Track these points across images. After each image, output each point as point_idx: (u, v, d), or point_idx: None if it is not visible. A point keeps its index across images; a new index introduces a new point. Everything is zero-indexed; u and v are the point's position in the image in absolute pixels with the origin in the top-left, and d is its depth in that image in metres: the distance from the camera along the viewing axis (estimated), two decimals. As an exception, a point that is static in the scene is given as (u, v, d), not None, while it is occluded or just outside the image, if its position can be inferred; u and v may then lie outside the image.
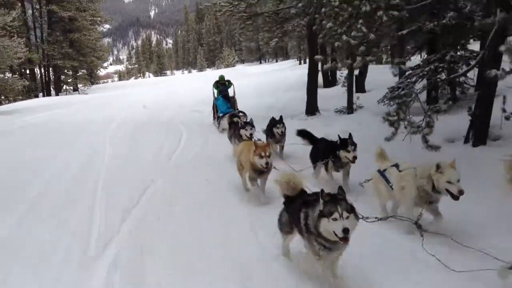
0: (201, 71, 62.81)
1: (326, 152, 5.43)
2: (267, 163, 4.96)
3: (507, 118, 5.98)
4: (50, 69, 32.47)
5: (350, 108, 9.84)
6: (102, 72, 45.46)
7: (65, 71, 33.95)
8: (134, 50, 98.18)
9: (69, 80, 34.95)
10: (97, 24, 34.68)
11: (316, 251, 3.30)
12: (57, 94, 31.10)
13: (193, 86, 23.91)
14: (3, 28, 19.36)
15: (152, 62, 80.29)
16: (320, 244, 3.20)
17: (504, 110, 5.99)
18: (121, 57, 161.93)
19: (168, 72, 73.52)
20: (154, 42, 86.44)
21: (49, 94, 30.63)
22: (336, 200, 3.08)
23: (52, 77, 32.89)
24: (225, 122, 9.13)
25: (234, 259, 3.65)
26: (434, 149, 5.10)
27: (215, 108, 11.08)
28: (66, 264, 3.72)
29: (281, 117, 7.14)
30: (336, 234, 2.97)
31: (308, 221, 3.28)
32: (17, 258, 3.86)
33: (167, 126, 11.03)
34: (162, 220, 4.57)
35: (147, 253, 3.83)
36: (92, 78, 39.60)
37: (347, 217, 2.99)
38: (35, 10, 30.63)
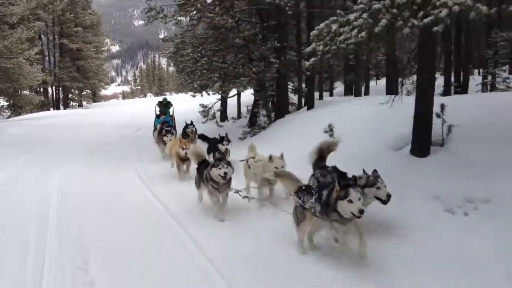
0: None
1: (214, 145, 8.15)
2: (186, 153, 7.29)
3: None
4: (60, 88, 41.54)
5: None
6: (105, 91, 54.83)
7: (72, 90, 42.96)
8: (139, 72, 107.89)
9: (75, 98, 44.13)
10: (100, 53, 43.98)
11: (211, 191, 5.63)
12: (65, 108, 40.03)
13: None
14: (27, 59, 28.23)
15: (154, 84, 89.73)
16: (212, 186, 5.56)
17: (440, 117, 5.81)
18: (129, 78, 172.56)
19: (167, 93, 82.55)
20: (157, 65, 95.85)
21: (58, 108, 39.53)
22: (220, 159, 5.63)
23: (61, 95, 42.01)
24: (156, 133, 11.25)
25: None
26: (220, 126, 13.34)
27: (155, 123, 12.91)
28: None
29: (226, 134, 8.32)
30: (220, 177, 5.41)
31: (206, 175, 5.64)
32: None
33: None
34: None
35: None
36: (95, 97, 48.67)
37: (227, 167, 5.52)
38: (49, 42, 40.04)
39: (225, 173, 5.51)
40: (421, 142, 6.00)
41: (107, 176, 8.47)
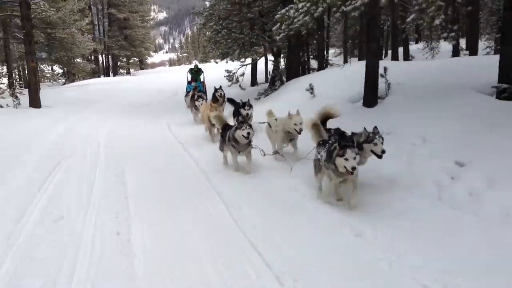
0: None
1: (237, 109, 8.78)
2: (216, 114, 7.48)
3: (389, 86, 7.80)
4: (110, 56, 45.04)
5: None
6: (153, 59, 58.07)
7: (120, 58, 46.35)
8: (185, 39, 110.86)
9: (123, 65, 47.55)
10: (146, 22, 46.83)
11: (232, 149, 6.28)
12: (114, 75, 43.40)
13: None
14: (78, 29, 31.20)
15: (199, 51, 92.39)
16: (232, 145, 6.20)
17: (384, 77, 7.89)
18: (176, 45, 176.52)
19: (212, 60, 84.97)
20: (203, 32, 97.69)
21: (108, 75, 42.97)
22: (242, 122, 6.17)
23: (110, 63, 45.54)
24: (188, 99, 12.16)
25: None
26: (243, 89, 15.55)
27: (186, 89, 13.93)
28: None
29: (248, 100, 8.84)
30: (243, 137, 6.01)
31: (227, 136, 6.26)
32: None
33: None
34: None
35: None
36: (142, 64, 51.94)
37: (249, 128, 6.07)
38: (99, 12, 43.21)
39: (248, 133, 6.10)
40: (370, 97, 8.00)
41: (141, 127, 11.01)
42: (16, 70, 29.47)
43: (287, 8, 6.98)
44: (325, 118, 6.10)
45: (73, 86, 29.36)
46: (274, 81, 14.83)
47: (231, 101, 9.87)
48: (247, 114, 8.43)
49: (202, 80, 14.39)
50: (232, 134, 6.23)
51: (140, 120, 12.17)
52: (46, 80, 36.84)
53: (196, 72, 14.43)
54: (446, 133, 5.85)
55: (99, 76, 41.38)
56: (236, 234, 4.16)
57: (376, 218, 4.37)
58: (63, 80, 37.35)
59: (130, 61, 47.67)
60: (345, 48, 19.72)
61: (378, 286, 3.18)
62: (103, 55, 44.24)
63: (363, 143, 5.00)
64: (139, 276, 3.43)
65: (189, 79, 14.35)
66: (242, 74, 15.30)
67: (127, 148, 8.24)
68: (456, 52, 17.98)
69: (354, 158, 4.45)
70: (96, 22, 42.81)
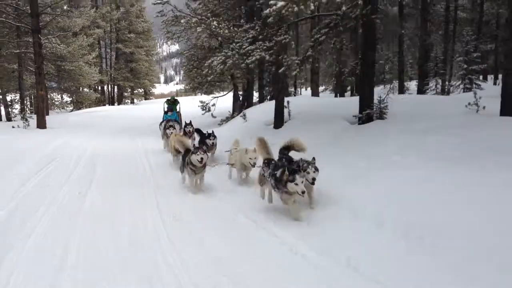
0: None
1: (203, 139, 9.91)
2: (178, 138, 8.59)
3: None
4: (115, 87, 49.30)
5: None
6: (162, 90, 62.33)
7: (126, 88, 50.55)
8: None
9: (127, 95, 51.72)
10: (150, 56, 51.14)
11: (189, 173, 7.23)
12: (118, 104, 47.28)
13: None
14: (86, 62, 35.08)
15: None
16: (191, 169, 7.13)
17: (287, 108, 11.66)
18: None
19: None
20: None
21: (113, 104, 46.90)
22: (198, 148, 7.29)
23: (116, 93, 49.73)
24: (161, 127, 13.00)
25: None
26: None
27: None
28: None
29: (212, 131, 10.02)
30: (198, 161, 6.96)
31: (186, 160, 7.27)
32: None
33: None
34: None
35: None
36: (146, 95, 56.06)
37: (203, 153, 7.09)
38: (107, 47, 47.61)
39: (202, 158, 7.04)
40: (278, 121, 11.35)
41: (120, 143, 14.31)
42: (28, 97, 33.04)
43: (211, 60, 10.37)
44: (289, 147, 6.91)
45: (79, 113, 33.13)
46: (234, 111, 18.29)
47: (198, 131, 10.80)
48: (212, 143, 9.68)
49: (178, 110, 15.65)
50: (189, 158, 7.19)
51: (122, 138, 15.47)
52: (55, 108, 40.82)
53: (172, 103, 15.82)
54: (314, 142, 9.00)
55: (104, 105, 45.20)
56: (152, 204, 7.00)
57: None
58: (71, 108, 41.23)
59: (134, 91, 51.76)
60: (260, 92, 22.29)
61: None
62: (109, 85, 48.33)
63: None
64: (86, 210, 6.53)
65: (165, 109, 15.64)
66: (213, 105, 18.63)
67: (103, 155, 11.45)
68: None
69: (302, 182, 5.26)
70: (104, 56, 47.05)
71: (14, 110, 28.34)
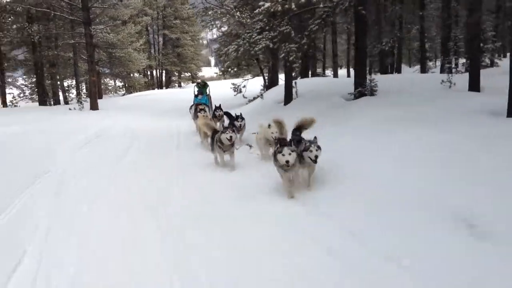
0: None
1: (232, 121, 10.27)
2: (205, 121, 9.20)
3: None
4: (163, 71, 52.41)
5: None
6: (206, 73, 65.21)
7: (173, 72, 53.59)
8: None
9: (175, 79, 54.81)
10: (196, 41, 53.77)
11: (219, 151, 7.71)
12: (166, 88, 50.39)
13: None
14: (134, 49, 37.96)
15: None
16: (219, 147, 7.61)
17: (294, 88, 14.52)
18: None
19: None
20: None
21: (161, 88, 50.05)
22: (227, 128, 7.74)
23: (164, 77, 52.87)
24: (192, 110, 13.59)
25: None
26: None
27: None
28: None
29: (240, 113, 10.36)
30: (227, 139, 7.40)
31: (215, 140, 7.70)
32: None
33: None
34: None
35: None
36: (193, 78, 58.97)
37: (232, 132, 7.59)
38: (154, 33, 50.61)
39: (231, 137, 7.50)
40: (287, 99, 13.27)
41: (159, 122, 16.66)
42: (83, 83, 36.37)
43: (227, 47, 12.37)
44: (300, 126, 7.32)
45: (129, 96, 36.22)
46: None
47: (228, 114, 11.32)
48: (240, 125, 10.09)
49: (208, 93, 16.08)
50: (219, 137, 7.65)
51: (162, 119, 17.85)
52: (108, 92, 44.31)
53: (202, 86, 16.20)
54: (314, 112, 10.81)
55: (153, 89, 48.37)
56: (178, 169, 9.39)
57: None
58: (123, 92, 44.65)
59: (181, 75, 54.71)
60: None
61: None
62: (157, 70, 51.46)
63: (303, 151, 5.97)
64: (124, 163, 8.75)
65: (196, 92, 15.95)
66: (244, 86, 20.66)
67: (143, 131, 13.83)
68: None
69: (290, 154, 5.62)
70: (152, 42, 50.10)
71: (70, 95, 31.59)
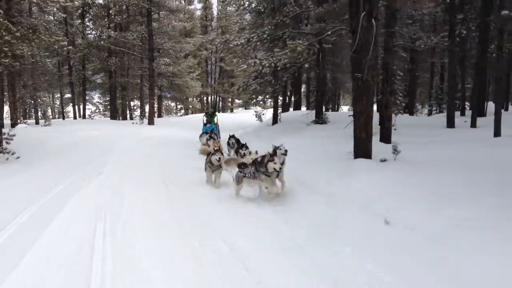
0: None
1: (238, 148, 11.22)
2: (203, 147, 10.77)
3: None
4: (218, 98, 60.42)
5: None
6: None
7: (227, 99, 61.43)
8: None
9: (229, 104, 62.66)
10: (248, 72, 61.54)
11: (208, 168, 9.03)
12: (219, 112, 58.09)
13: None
14: (191, 79, 45.66)
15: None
16: (209, 166, 8.96)
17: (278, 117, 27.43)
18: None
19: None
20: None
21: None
22: (216, 151, 9.03)
23: (219, 103, 60.85)
24: (204, 138, 14.58)
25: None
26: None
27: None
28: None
29: (245, 143, 11.04)
30: (216, 160, 8.73)
31: (207, 160, 9.14)
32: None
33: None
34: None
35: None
36: (246, 104, 66.67)
37: (220, 155, 8.89)
38: (212, 65, 58.88)
39: (219, 158, 8.78)
40: (274, 122, 19.89)
41: (189, 135, 23.55)
42: (146, 104, 44.62)
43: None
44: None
45: (184, 117, 43.97)
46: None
47: (237, 142, 12.62)
48: (244, 153, 10.52)
49: (216, 121, 17.68)
50: (209, 158, 8.97)
51: (193, 132, 24.76)
52: (169, 113, 52.57)
53: (210, 116, 18.14)
54: (286, 129, 17.13)
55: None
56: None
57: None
58: (182, 113, 52.83)
59: (234, 102, 62.52)
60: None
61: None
62: (212, 96, 59.53)
63: (268, 162, 7.39)
64: (152, 154, 15.56)
65: (205, 121, 17.84)
66: (263, 114, 27.30)
67: (173, 138, 20.68)
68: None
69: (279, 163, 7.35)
70: (209, 71, 58.31)
71: (135, 113, 39.82)
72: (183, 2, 49.99)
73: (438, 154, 9.54)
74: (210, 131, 15.19)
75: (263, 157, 7.61)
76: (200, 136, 15.85)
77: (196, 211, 6.98)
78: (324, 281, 4.28)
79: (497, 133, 11.73)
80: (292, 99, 31.15)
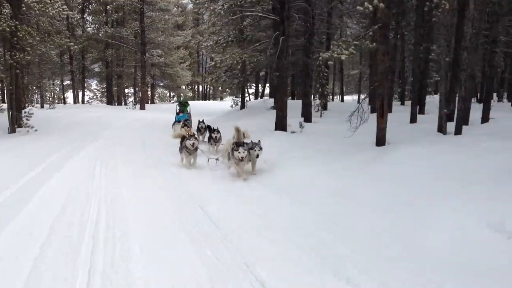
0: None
1: (210, 133, 12.42)
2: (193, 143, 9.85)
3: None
4: (210, 87, 64.74)
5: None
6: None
7: (218, 88, 65.72)
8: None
9: (217, 94, 67.02)
10: (238, 62, 65.82)
11: (185, 154, 9.83)
12: (208, 100, 62.51)
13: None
14: (182, 69, 49.89)
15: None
16: (186, 151, 9.73)
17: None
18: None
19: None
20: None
21: (204, 99, 62.34)
22: (191, 136, 9.97)
23: (210, 91, 65.17)
24: (177, 127, 14.62)
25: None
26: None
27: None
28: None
29: (217, 127, 12.44)
30: (190, 145, 9.68)
31: (183, 145, 9.86)
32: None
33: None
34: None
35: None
36: (235, 95, 71.07)
37: (195, 140, 9.82)
38: (202, 56, 63.12)
39: (193, 143, 9.71)
40: (242, 107, 24.28)
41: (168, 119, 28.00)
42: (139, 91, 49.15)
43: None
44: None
45: (174, 104, 48.29)
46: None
47: (209, 127, 13.30)
48: (216, 137, 12.15)
49: (188, 111, 17.83)
50: (185, 143, 9.83)
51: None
52: (162, 100, 56.90)
53: (183, 105, 18.16)
54: (251, 112, 21.55)
55: (198, 100, 60.65)
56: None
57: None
58: (174, 100, 57.08)
59: (224, 91, 66.90)
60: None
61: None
62: (202, 85, 63.87)
63: (250, 149, 8.75)
64: (135, 127, 20.05)
65: (177, 110, 17.93)
66: (237, 104, 31.60)
67: (159, 120, 25.09)
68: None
69: (244, 152, 8.37)
70: (201, 62, 62.56)
71: (129, 99, 44.24)
72: (177, -4, 53.90)
73: (329, 129, 13.96)
74: (184, 120, 15.58)
75: (233, 146, 8.79)
76: (173, 124, 16.47)
77: (157, 156, 11.49)
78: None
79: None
80: (266, 88, 35.55)
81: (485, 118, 12.40)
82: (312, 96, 18.71)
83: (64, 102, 43.30)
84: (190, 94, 59.01)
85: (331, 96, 44.92)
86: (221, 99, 65.50)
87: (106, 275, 4.09)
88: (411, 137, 10.04)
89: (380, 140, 9.76)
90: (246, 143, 8.99)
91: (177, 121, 16.36)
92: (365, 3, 7.70)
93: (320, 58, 9.52)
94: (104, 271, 4.16)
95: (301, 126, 13.70)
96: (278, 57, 13.72)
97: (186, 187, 8.08)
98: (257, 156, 8.78)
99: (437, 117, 10.69)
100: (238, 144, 8.61)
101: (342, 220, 5.76)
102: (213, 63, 20.08)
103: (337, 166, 8.38)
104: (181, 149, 10.16)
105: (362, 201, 6.33)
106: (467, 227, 4.84)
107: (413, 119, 13.96)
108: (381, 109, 9.74)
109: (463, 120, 10.15)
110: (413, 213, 5.50)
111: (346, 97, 46.38)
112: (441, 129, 10.31)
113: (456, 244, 4.64)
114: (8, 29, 15.37)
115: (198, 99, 60.73)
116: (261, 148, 8.81)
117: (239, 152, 8.35)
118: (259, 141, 8.96)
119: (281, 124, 14.16)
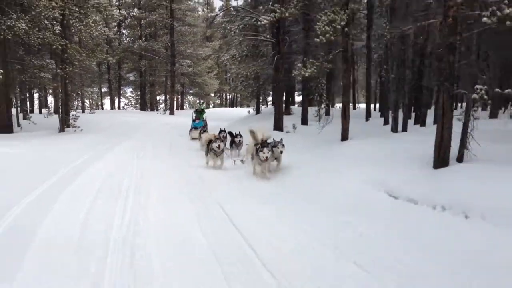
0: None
1: (233, 139, 12.82)
2: (219, 146, 10.48)
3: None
4: (237, 94, 68.30)
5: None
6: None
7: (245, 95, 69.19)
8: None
9: (244, 101, 70.51)
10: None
11: (212, 156, 10.67)
12: (235, 107, 65.91)
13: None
14: (210, 78, 53.48)
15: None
16: (213, 153, 10.55)
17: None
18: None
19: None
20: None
21: (232, 106, 65.85)
22: (217, 139, 10.74)
23: (235, 99, 68.75)
24: (195, 133, 16.56)
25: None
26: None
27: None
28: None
29: (239, 132, 12.64)
30: (216, 147, 10.41)
31: (209, 148, 10.65)
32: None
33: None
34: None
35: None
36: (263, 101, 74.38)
37: (221, 143, 10.61)
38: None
39: (219, 146, 10.30)
40: (257, 113, 27.55)
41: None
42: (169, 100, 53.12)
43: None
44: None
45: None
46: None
47: (230, 133, 13.41)
48: (239, 141, 12.56)
49: (204, 118, 18.80)
50: (212, 146, 10.46)
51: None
52: (192, 107, 60.62)
53: (199, 113, 19.30)
54: (256, 121, 24.74)
55: (225, 107, 64.23)
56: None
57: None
58: (204, 106, 60.84)
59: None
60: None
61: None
62: (229, 93, 67.52)
63: (273, 147, 9.50)
64: (163, 130, 23.48)
65: (194, 117, 19.02)
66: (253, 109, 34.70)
67: (183, 124, 28.49)
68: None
69: (268, 152, 8.96)
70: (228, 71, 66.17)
71: (161, 105, 48.26)
72: (205, 10, 57.79)
73: (317, 130, 16.98)
74: (201, 127, 16.58)
75: (257, 146, 9.46)
76: (190, 131, 17.94)
77: (179, 151, 14.87)
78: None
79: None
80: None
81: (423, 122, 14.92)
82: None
83: (102, 108, 47.71)
84: (218, 101, 62.60)
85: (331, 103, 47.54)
86: (248, 106, 68.90)
87: (133, 197, 7.52)
88: (368, 134, 13.04)
89: (344, 137, 12.75)
90: (269, 143, 9.64)
91: (194, 127, 18.04)
92: (320, 36, 10.75)
93: (293, 74, 12.62)
94: (132, 198, 7.54)
95: (294, 127, 16.81)
96: (274, 71, 16.96)
97: (195, 170, 10.97)
98: (281, 152, 9.66)
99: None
100: (262, 145, 9.29)
101: (287, 186, 8.92)
102: (229, 74, 23.36)
103: (307, 156, 11.39)
104: (207, 152, 11.00)
105: (305, 172, 9.38)
106: (357, 185, 7.83)
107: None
108: (344, 113, 12.76)
109: (404, 123, 13.13)
110: (329, 178, 8.56)
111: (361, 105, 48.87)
112: (392, 129, 13.29)
113: (347, 194, 7.62)
114: (60, 47, 19.12)
115: (225, 106, 64.30)
116: (283, 145, 9.70)
117: (263, 153, 9.01)
118: (281, 139, 9.93)
119: (278, 125, 17.31)
